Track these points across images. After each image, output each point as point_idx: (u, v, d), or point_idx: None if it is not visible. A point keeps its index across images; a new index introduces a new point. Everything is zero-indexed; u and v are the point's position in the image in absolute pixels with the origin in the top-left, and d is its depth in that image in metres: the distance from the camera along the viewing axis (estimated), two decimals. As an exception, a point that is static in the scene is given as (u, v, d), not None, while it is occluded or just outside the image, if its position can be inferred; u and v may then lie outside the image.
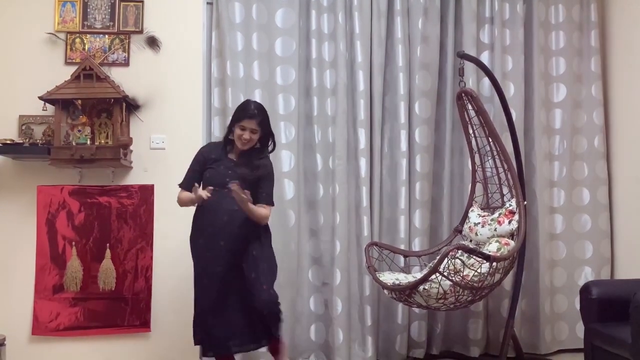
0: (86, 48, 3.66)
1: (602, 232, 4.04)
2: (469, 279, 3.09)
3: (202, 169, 3.06)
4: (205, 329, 2.96)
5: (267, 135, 3.07)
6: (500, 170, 3.63)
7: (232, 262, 2.93)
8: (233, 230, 2.92)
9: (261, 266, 2.96)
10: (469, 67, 3.80)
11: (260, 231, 3.02)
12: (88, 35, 3.68)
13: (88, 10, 3.69)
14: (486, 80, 3.88)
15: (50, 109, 3.48)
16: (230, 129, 3.08)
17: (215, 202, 2.90)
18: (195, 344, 3.04)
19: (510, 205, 3.49)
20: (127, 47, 3.68)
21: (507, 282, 3.76)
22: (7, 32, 3.64)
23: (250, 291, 2.90)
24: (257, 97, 3.73)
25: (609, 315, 3.06)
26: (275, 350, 3.04)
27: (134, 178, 3.65)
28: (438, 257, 3.11)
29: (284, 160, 3.76)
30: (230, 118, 3.62)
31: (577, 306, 3.40)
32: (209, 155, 3.08)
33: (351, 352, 3.75)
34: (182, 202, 3.09)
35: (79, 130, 3.45)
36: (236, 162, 3.04)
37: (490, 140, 3.59)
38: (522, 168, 3.74)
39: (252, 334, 2.96)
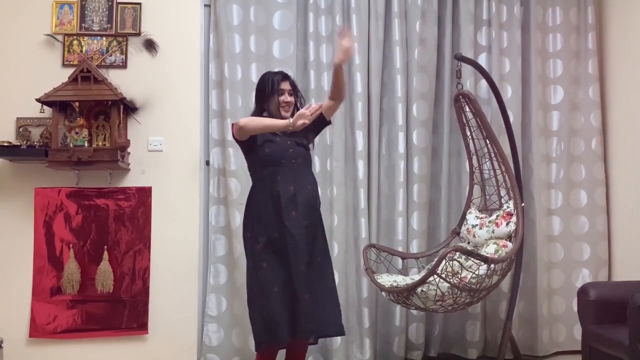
0: (84, 50, 3.66)
1: (599, 234, 4.05)
2: (466, 281, 3.09)
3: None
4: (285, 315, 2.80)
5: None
6: (498, 172, 3.63)
7: (309, 239, 2.89)
8: (307, 203, 2.88)
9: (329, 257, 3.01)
10: (467, 69, 3.81)
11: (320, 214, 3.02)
12: (85, 38, 3.67)
13: (85, 12, 3.69)
14: (484, 83, 3.88)
15: (48, 111, 3.47)
16: (262, 107, 3.03)
17: (285, 175, 2.88)
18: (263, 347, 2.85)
19: (508, 207, 3.49)
20: (124, 49, 3.68)
21: (505, 284, 3.76)
22: (4, 34, 3.63)
23: (324, 281, 2.90)
24: (255, 99, 3.75)
25: (607, 317, 3.06)
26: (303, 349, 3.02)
27: (132, 180, 3.64)
28: (436, 259, 3.11)
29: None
30: (229, 119, 3.67)
31: (575, 308, 3.41)
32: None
33: (349, 354, 3.74)
34: (259, 127, 2.87)
35: (77, 133, 3.45)
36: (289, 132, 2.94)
37: (488, 142, 3.60)
38: (520, 170, 3.75)
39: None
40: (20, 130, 3.57)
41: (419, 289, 3.09)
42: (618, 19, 4.05)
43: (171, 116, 3.67)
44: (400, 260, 3.69)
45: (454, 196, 3.98)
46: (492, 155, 3.62)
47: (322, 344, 3.75)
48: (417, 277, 3.30)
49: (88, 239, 3.57)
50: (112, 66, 3.66)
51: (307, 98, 3.84)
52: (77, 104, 3.45)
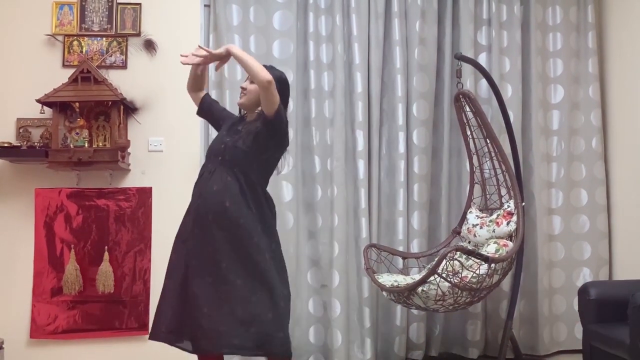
0: (84, 51, 3.66)
1: (600, 233, 4.05)
2: (467, 280, 3.09)
3: (217, 116, 2.78)
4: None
5: None
6: (498, 171, 3.63)
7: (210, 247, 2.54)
8: (220, 208, 2.50)
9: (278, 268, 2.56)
10: (467, 68, 3.81)
11: (263, 214, 2.57)
12: (86, 38, 3.67)
13: (85, 13, 3.69)
14: (484, 82, 3.88)
15: (48, 111, 3.47)
16: None
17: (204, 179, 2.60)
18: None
19: (509, 206, 3.49)
20: (124, 50, 3.68)
21: (506, 284, 3.76)
22: (5, 35, 3.63)
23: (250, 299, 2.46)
24: (255, 99, 3.74)
25: (607, 316, 3.06)
26: None
27: (132, 180, 3.64)
28: (436, 259, 3.11)
29: (281, 162, 3.74)
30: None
31: (576, 307, 3.41)
32: (228, 119, 2.76)
33: (350, 354, 3.74)
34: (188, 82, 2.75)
35: (77, 133, 3.45)
36: (242, 122, 2.69)
37: (488, 141, 3.60)
38: (520, 169, 3.75)
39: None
40: (21, 130, 3.57)
41: (420, 289, 3.09)
42: (618, 17, 4.05)
43: (171, 116, 3.67)
44: (400, 260, 3.70)
45: (454, 196, 3.98)
46: (493, 154, 3.62)
47: (323, 344, 3.76)
48: (417, 277, 3.30)
49: (88, 240, 3.57)
50: (112, 67, 3.66)
51: (307, 98, 3.86)
52: (77, 104, 3.46)
